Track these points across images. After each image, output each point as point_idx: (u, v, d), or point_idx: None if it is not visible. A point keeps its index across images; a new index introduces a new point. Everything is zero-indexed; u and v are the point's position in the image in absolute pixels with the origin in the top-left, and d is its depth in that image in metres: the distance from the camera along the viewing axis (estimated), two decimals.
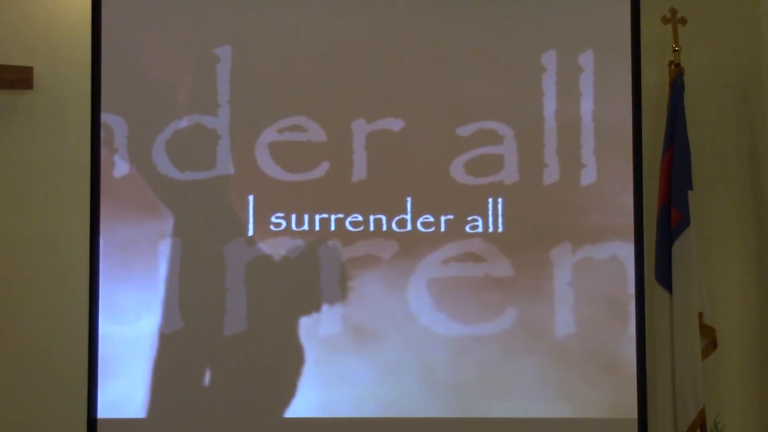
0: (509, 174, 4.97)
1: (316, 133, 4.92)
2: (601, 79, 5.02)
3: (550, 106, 5.00)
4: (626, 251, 4.97)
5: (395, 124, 4.95)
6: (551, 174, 4.99)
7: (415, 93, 4.96)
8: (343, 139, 4.93)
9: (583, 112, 5.01)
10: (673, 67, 5.05)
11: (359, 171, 4.92)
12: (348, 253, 4.88)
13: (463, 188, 4.94)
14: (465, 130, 4.97)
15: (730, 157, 5.20)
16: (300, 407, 4.83)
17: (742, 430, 5.07)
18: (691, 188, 4.97)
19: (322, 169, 4.91)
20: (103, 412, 4.75)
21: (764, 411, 5.05)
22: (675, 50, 5.07)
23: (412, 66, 4.97)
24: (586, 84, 5.02)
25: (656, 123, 5.11)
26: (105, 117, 4.84)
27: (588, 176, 5.00)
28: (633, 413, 4.92)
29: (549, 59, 5.02)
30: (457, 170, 4.95)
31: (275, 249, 4.85)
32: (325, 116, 4.92)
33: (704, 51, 5.21)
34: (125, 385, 4.77)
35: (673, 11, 5.11)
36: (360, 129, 4.94)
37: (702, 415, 4.83)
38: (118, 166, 4.84)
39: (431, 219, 4.93)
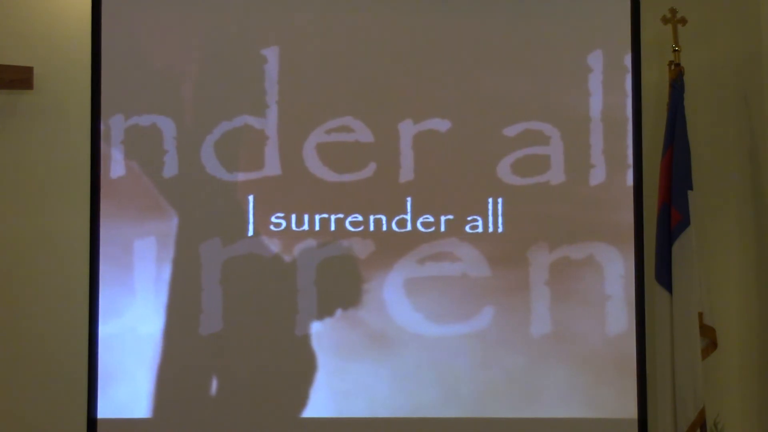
0: (556, 174, 4.98)
1: (363, 133, 4.93)
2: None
3: (596, 106, 5.01)
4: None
5: (442, 125, 4.96)
6: (598, 174, 4.99)
7: (462, 93, 4.96)
8: (390, 140, 4.94)
9: (629, 112, 5.01)
10: (673, 67, 5.05)
11: (406, 172, 4.93)
12: (324, 253, 4.88)
13: (508, 189, 4.94)
14: (511, 131, 4.97)
15: (730, 157, 5.20)
16: (282, 407, 4.82)
17: (742, 430, 5.07)
18: (691, 188, 4.97)
19: (369, 169, 4.92)
20: (103, 412, 4.75)
21: (764, 411, 5.05)
22: (675, 50, 5.07)
23: (458, 66, 4.97)
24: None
25: (656, 123, 5.11)
26: (154, 118, 4.85)
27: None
28: (633, 413, 4.92)
29: (595, 59, 5.03)
30: (504, 171, 4.95)
31: (252, 249, 4.85)
32: (372, 117, 4.93)
33: (704, 51, 5.21)
34: (124, 386, 4.77)
35: (673, 11, 5.11)
36: (407, 129, 4.94)
37: (702, 415, 4.83)
38: (168, 167, 4.84)
39: (431, 219, 4.93)
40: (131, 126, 4.85)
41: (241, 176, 4.87)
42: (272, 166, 4.89)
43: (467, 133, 4.95)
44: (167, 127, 4.86)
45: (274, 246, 4.86)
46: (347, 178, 4.91)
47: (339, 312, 4.85)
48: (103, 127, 4.84)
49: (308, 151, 4.90)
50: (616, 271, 4.96)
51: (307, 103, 4.92)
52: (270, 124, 4.90)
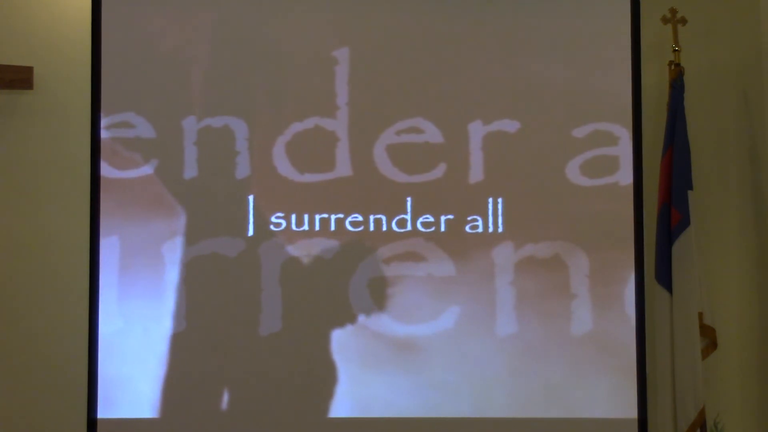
0: (624, 175, 4.98)
1: (433, 134, 4.93)
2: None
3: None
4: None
5: (511, 126, 4.96)
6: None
7: (531, 94, 4.96)
8: (459, 141, 4.94)
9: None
10: (673, 67, 5.06)
11: (476, 173, 4.93)
12: (290, 252, 4.87)
13: (577, 190, 4.94)
14: (580, 132, 4.98)
15: (730, 157, 5.20)
16: (280, 406, 4.82)
17: (742, 430, 5.07)
18: (691, 188, 4.97)
19: (439, 170, 4.93)
20: (103, 411, 4.75)
21: (764, 411, 5.05)
22: (675, 50, 5.07)
23: (528, 67, 4.97)
24: None
25: (656, 123, 5.11)
26: (226, 120, 4.85)
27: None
28: (633, 413, 4.92)
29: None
30: (573, 172, 4.95)
31: (218, 249, 4.84)
32: (442, 118, 4.93)
33: (704, 51, 5.21)
34: (127, 385, 4.77)
35: (673, 11, 5.11)
36: (476, 130, 4.95)
37: (702, 415, 4.84)
38: (240, 168, 4.85)
39: (431, 219, 4.93)
40: (203, 127, 4.85)
41: (311, 177, 4.88)
42: (343, 167, 4.90)
43: (536, 134, 4.96)
44: (239, 127, 4.87)
45: (235, 246, 4.83)
46: (417, 179, 4.92)
47: (300, 310, 4.83)
48: (164, 128, 4.84)
49: (379, 152, 4.92)
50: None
51: (378, 104, 4.93)
52: (341, 125, 4.91)
